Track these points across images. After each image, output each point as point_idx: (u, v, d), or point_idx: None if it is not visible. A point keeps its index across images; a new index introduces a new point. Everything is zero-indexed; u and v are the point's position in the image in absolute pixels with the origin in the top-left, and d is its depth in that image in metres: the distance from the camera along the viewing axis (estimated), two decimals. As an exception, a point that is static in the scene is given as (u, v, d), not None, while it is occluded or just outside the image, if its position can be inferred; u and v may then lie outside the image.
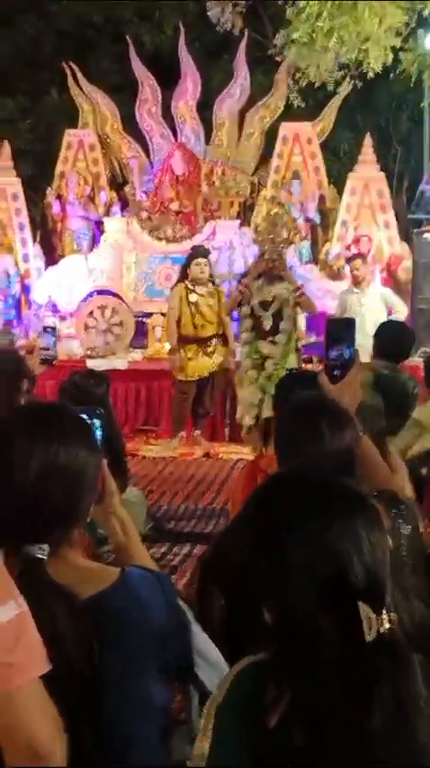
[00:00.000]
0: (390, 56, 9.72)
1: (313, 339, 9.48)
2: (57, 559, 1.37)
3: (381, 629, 1.07)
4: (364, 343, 8.15)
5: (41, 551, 1.33)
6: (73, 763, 1.21)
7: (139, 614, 1.38)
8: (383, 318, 8.21)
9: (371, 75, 10.12)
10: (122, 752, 1.34)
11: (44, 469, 1.36)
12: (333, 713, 1.04)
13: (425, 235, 9.81)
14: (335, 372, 2.23)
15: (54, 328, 4.31)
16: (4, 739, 1.17)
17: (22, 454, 1.37)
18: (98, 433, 1.59)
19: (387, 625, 1.07)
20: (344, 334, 2.31)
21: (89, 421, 1.58)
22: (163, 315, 9.01)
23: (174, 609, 1.46)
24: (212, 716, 1.16)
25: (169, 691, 1.45)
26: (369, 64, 9.76)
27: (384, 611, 1.08)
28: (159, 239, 10.64)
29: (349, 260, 8.72)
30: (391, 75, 10.85)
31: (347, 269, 9.38)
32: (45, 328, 4.27)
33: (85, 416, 1.58)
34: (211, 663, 1.52)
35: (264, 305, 6.99)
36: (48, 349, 4.00)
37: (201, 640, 1.52)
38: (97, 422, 1.63)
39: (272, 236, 7.19)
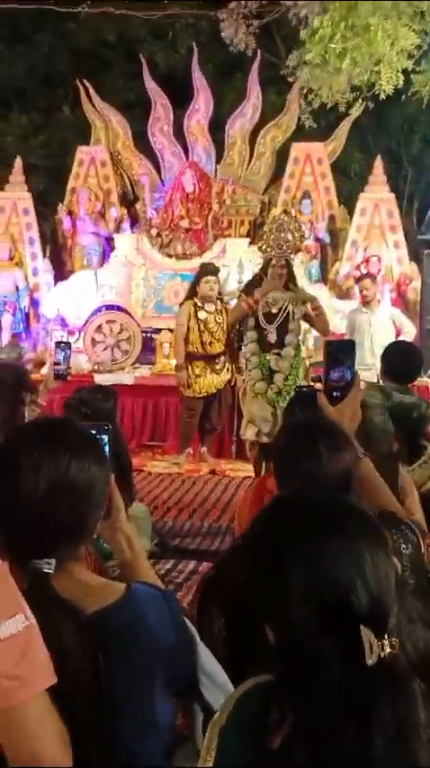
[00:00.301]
0: (402, 78, 9.75)
1: (322, 358, 9.48)
2: (63, 574, 1.37)
3: (382, 654, 1.05)
4: (372, 362, 8.22)
5: (48, 566, 1.33)
6: None
7: (145, 630, 1.38)
8: (392, 338, 8.21)
9: (382, 96, 10.16)
10: (126, 766, 1.33)
11: (53, 484, 1.36)
12: (334, 735, 1.02)
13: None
14: (334, 394, 2.24)
15: (68, 343, 4.30)
16: (10, 752, 1.16)
17: (30, 469, 1.37)
18: (106, 449, 1.59)
19: (388, 650, 1.06)
20: (344, 356, 2.32)
21: (97, 436, 1.59)
22: (171, 331, 9.01)
23: (179, 626, 1.45)
24: (215, 735, 1.15)
25: (173, 708, 1.44)
26: (381, 86, 9.79)
27: (386, 636, 1.06)
28: (169, 256, 10.68)
29: (358, 280, 8.74)
30: (403, 97, 10.88)
31: (356, 289, 9.39)
32: (58, 343, 4.25)
33: (92, 432, 1.58)
34: (217, 682, 1.51)
35: (268, 317, 6.86)
36: (59, 364, 3.99)
37: (207, 659, 1.51)
38: (105, 437, 1.64)
39: (279, 242, 6.93)
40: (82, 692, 1.25)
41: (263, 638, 1.13)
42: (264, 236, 7.18)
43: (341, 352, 2.34)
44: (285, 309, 6.85)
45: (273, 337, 6.84)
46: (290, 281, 6.95)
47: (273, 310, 6.84)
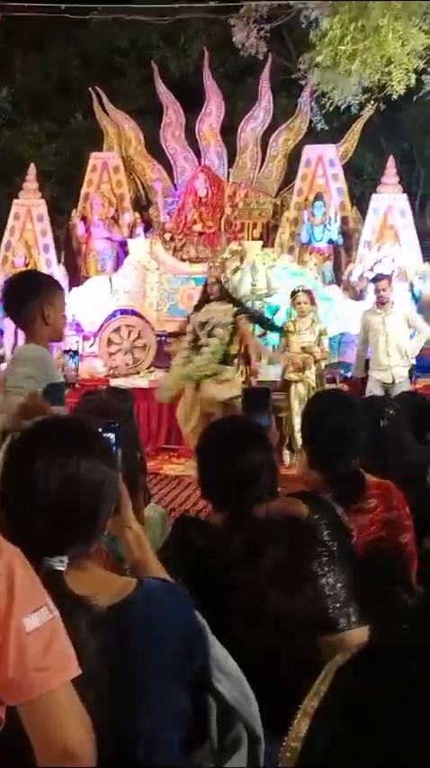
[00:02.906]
0: (413, 78, 9.74)
1: (336, 360, 9.48)
2: (76, 570, 1.39)
3: None
4: (387, 363, 8.19)
5: (61, 563, 1.35)
6: None
7: (158, 623, 1.40)
8: (406, 339, 8.21)
9: (394, 97, 10.16)
10: (145, 760, 1.34)
11: (64, 483, 1.38)
12: None
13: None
14: None
15: (77, 351, 4.34)
16: (38, 740, 1.19)
17: (42, 468, 1.39)
18: (114, 447, 1.62)
19: None
20: (257, 404, 2.63)
21: (105, 434, 1.61)
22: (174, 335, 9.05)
23: (191, 618, 1.47)
24: (332, 671, 1.19)
25: (189, 699, 1.45)
26: (392, 87, 9.80)
27: None
28: (182, 260, 10.71)
29: (374, 280, 8.72)
30: (415, 97, 10.89)
31: (370, 290, 9.38)
32: (66, 351, 4.29)
33: (101, 430, 1.61)
34: (229, 674, 1.53)
35: (202, 325, 7.63)
36: (71, 371, 4.02)
37: (218, 652, 1.53)
38: (113, 435, 1.66)
39: (210, 265, 8.34)
40: (98, 686, 1.27)
41: None
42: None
43: (254, 400, 2.68)
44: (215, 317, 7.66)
45: (204, 341, 7.60)
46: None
47: (204, 318, 7.70)
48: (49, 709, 1.18)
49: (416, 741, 1.04)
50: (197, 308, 7.99)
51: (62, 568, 1.35)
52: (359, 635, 1.84)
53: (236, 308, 7.78)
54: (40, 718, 1.18)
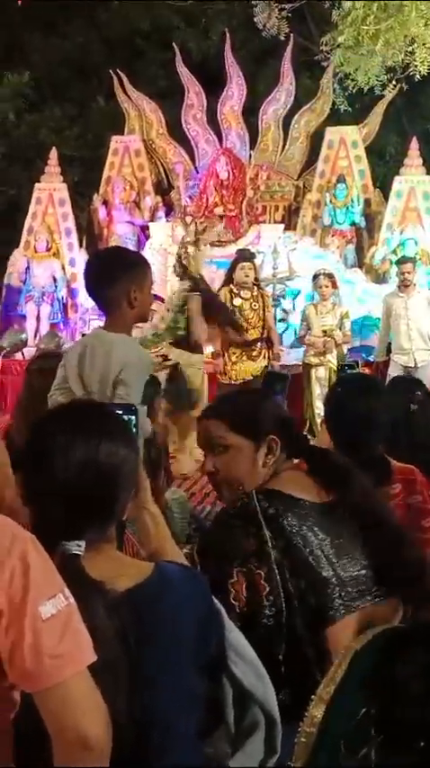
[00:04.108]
0: (437, 58, 9.59)
1: (358, 343, 9.44)
2: (94, 554, 1.39)
3: None
4: (409, 347, 8.14)
5: (78, 547, 1.36)
6: (113, 756, 1.23)
7: (174, 607, 1.40)
8: (429, 323, 8.15)
9: (418, 77, 10.02)
10: (161, 744, 1.35)
11: (83, 466, 1.39)
12: None
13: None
14: None
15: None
16: (54, 728, 1.20)
17: (61, 451, 1.39)
18: (133, 430, 1.62)
19: None
20: (274, 387, 2.68)
21: (124, 416, 1.61)
22: (207, 319, 9.02)
23: (207, 602, 1.48)
24: (349, 656, 1.22)
25: (205, 684, 1.46)
26: (415, 67, 9.66)
27: None
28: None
29: (399, 263, 8.66)
30: (439, 77, 10.73)
31: (393, 272, 9.32)
32: (84, 335, 4.28)
33: (120, 412, 1.61)
34: (245, 657, 1.53)
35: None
36: None
37: (234, 635, 1.53)
38: (132, 418, 1.65)
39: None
40: (115, 670, 1.28)
41: None
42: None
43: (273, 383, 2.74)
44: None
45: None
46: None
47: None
48: (65, 697, 1.18)
49: None
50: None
51: (79, 552, 1.36)
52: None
53: (189, 287, 7.60)
54: (56, 706, 1.19)
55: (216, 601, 1.52)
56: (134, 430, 1.63)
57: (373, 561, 1.83)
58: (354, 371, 3.72)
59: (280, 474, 1.94)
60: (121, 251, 3.93)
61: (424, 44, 9.34)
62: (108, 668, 1.26)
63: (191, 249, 7.90)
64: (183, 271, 7.61)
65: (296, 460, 2.02)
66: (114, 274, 2.93)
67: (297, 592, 1.74)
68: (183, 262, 7.70)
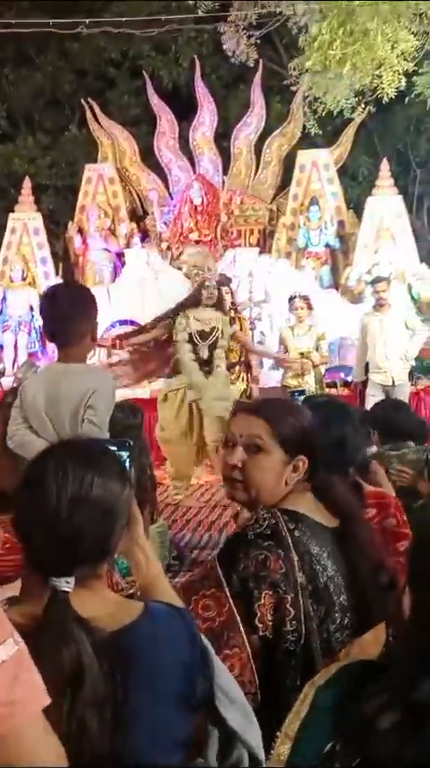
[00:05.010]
0: (403, 80, 9.72)
1: (337, 363, 9.47)
2: (84, 591, 1.38)
3: None
4: (385, 366, 8.17)
5: (67, 584, 1.34)
6: None
7: (162, 649, 1.39)
8: (405, 341, 8.19)
9: (386, 100, 10.15)
10: None
11: (76, 502, 1.38)
12: None
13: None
14: None
15: None
16: None
17: (54, 487, 1.38)
18: (126, 465, 1.61)
19: None
20: None
21: (118, 452, 1.60)
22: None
23: (195, 643, 1.46)
24: (312, 692, 1.20)
25: (190, 723, 1.44)
26: (383, 90, 9.79)
27: None
28: (179, 268, 10.71)
29: (373, 283, 8.72)
30: (407, 99, 10.88)
31: (368, 292, 9.37)
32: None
33: (114, 448, 1.61)
34: (231, 697, 1.52)
35: (200, 334, 7.02)
36: None
37: (223, 676, 1.52)
38: (125, 453, 1.65)
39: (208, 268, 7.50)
40: (100, 709, 1.26)
41: None
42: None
43: None
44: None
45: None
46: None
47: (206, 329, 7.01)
48: (18, 743, 1.15)
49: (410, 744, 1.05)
50: (178, 311, 7.31)
51: (68, 589, 1.34)
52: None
53: (228, 316, 7.42)
54: (9, 753, 1.15)
55: (205, 640, 1.51)
56: (127, 465, 1.62)
57: (361, 592, 1.82)
58: (322, 397, 3.73)
59: (294, 493, 1.91)
60: (80, 286, 4.09)
61: (391, 67, 9.47)
62: (94, 705, 1.25)
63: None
64: (219, 301, 7.19)
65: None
66: (83, 308, 3.05)
67: (316, 617, 1.73)
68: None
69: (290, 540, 1.75)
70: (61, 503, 1.37)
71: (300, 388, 6.42)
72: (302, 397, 3.58)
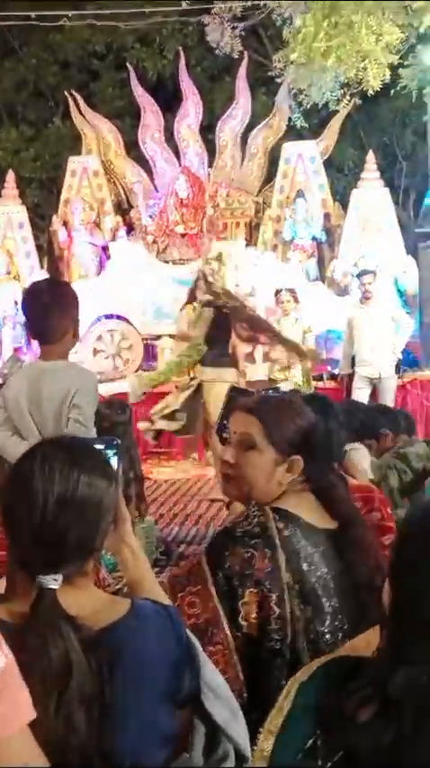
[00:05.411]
0: (388, 73, 9.72)
1: (323, 356, 9.48)
2: (71, 588, 1.38)
3: None
4: (372, 358, 8.18)
5: (54, 581, 1.35)
6: None
7: (149, 646, 1.40)
8: (392, 333, 8.21)
9: (371, 92, 10.15)
10: None
11: (62, 501, 1.38)
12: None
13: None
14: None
15: None
16: None
17: (40, 486, 1.39)
18: (114, 462, 1.61)
19: None
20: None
21: (105, 451, 1.61)
22: (172, 337, 9.01)
23: (182, 640, 1.47)
24: (295, 688, 1.21)
25: (176, 719, 1.45)
26: (368, 82, 9.78)
27: None
28: (165, 262, 10.67)
29: (359, 276, 8.72)
30: (393, 91, 10.88)
31: (355, 285, 9.38)
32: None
33: (101, 446, 1.62)
34: (219, 694, 1.53)
35: None
36: None
37: (209, 671, 1.53)
38: (112, 451, 1.65)
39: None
40: (88, 706, 1.27)
41: None
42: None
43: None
44: None
45: None
46: None
47: None
48: (3, 757, 1.15)
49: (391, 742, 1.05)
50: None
51: (55, 586, 1.34)
52: None
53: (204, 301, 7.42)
54: None
55: (192, 637, 1.51)
56: (115, 463, 1.62)
57: (356, 595, 1.81)
58: (310, 392, 3.78)
59: (290, 492, 1.90)
60: (62, 283, 4.10)
61: (376, 60, 9.47)
62: (81, 702, 1.26)
63: (214, 264, 7.87)
64: (208, 287, 7.41)
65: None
66: (65, 305, 3.04)
67: (303, 618, 1.72)
68: (209, 279, 7.47)
69: (278, 539, 1.74)
70: (47, 502, 1.37)
71: (276, 386, 6.41)
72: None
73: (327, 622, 1.75)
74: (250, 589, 1.70)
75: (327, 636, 1.74)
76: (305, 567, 1.75)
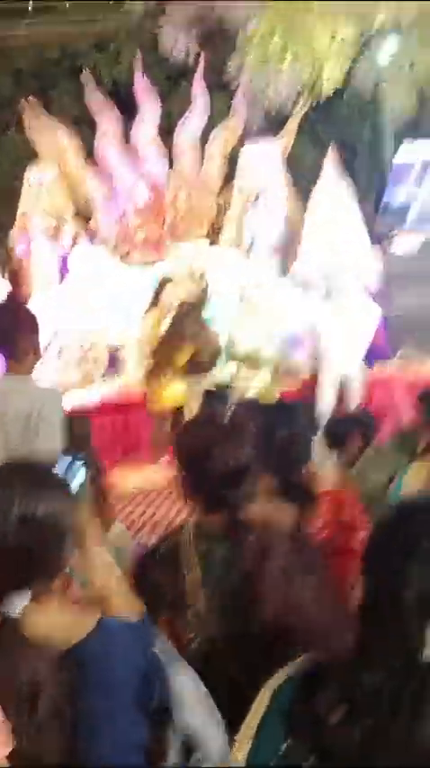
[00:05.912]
0: (345, 68, 9.77)
1: (290, 356, 9.44)
2: (38, 606, 1.44)
3: None
4: (335, 357, 8.15)
5: (17, 609, 1.41)
6: None
7: (115, 663, 1.44)
8: (356, 330, 8.20)
9: (328, 89, 10.18)
10: None
11: (21, 523, 1.42)
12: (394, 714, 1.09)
13: (395, 243, 9.82)
14: None
15: None
16: None
17: (2, 508, 1.43)
18: (82, 475, 1.65)
19: None
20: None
21: (73, 463, 1.66)
22: (136, 343, 8.96)
23: (150, 655, 1.53)
24: (266, 696, 1.26)
25: (148, 731, 1.50)
26: (325, 79, 9.83)
27: None
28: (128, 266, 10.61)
29: (323, 272, 8.73)
30: (348, 87, 10.91)
31: (320, 282, 9.36)
32: None
33: (68, 460, 1.67)
34: (191, 703, 1.58)
35: None
36: None
37: (180, 681, 1.58)
38: (79, 463, 1.68)
39: None
40: (60, 722, 1.34)
41: None
42: None
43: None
44: None
45: None
46: None
47: None
48: None
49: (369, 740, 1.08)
50: None
51: (17, 616, 1.39)
52: None
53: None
54: None
55: (164, 648, 1.59)
56: (82, 475, 1.65)
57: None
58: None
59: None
60: (19, 304, 4.55)
61: (331, 57, 9.51)
62: (54, 719, 1.33)
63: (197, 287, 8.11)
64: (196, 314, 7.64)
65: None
66: (22, 329, 3.26)
67: None
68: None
69: None
70: (8, 523, 1.41)
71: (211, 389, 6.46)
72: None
73: None
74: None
75: None
76: None
